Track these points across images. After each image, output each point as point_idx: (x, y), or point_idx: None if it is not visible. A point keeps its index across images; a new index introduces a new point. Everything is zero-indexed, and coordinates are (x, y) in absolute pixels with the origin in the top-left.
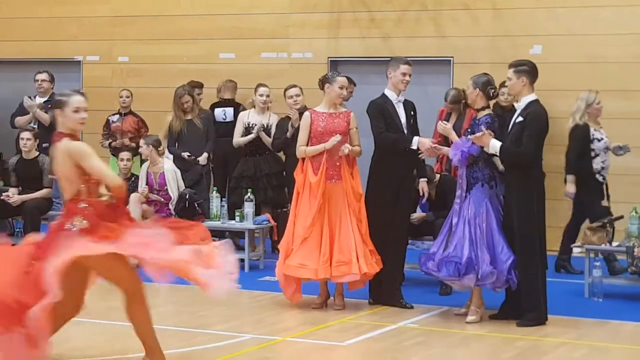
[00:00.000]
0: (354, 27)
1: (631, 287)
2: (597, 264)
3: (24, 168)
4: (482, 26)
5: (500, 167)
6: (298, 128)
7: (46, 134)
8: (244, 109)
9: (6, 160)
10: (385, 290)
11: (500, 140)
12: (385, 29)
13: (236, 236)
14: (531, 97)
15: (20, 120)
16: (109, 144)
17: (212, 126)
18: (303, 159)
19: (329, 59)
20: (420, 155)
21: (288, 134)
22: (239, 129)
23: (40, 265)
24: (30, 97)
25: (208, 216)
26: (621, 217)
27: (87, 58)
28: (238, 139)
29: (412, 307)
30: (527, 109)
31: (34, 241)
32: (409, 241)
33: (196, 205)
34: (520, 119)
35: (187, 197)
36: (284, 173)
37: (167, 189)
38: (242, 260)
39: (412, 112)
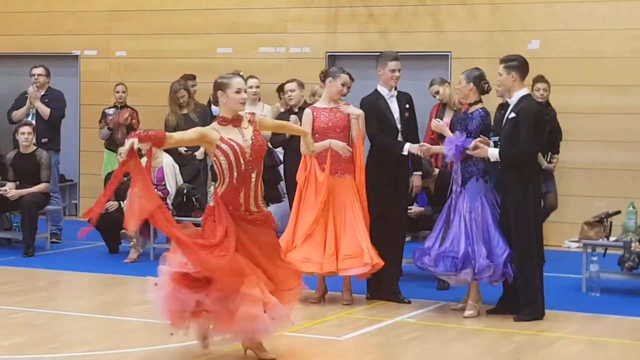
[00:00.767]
0: (352, 22)
1: (628, 282)
2: (595, 258)
3: (22, 162)
4: (480, 21)
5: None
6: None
7: (45, 128)
8: None
9: (3, 154)
10: (383, 285)
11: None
12: (382, 24)
13: None
14: (522, 92)
15: (17, 113)
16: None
17: (209, 120)
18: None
19: (327, 53)
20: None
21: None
22: None
23: None
24: (33, 87)
25: None
26: (618, 212)
27: (85, 52)
28: None
29: (409, 302)
30: (519, 104)
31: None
32: (408, 236)
33: (194, 199)
34: (513, 114)
35: (184, 191)
36: (279, 168)
37: (165, 184)
38: None
39: (407, 105)
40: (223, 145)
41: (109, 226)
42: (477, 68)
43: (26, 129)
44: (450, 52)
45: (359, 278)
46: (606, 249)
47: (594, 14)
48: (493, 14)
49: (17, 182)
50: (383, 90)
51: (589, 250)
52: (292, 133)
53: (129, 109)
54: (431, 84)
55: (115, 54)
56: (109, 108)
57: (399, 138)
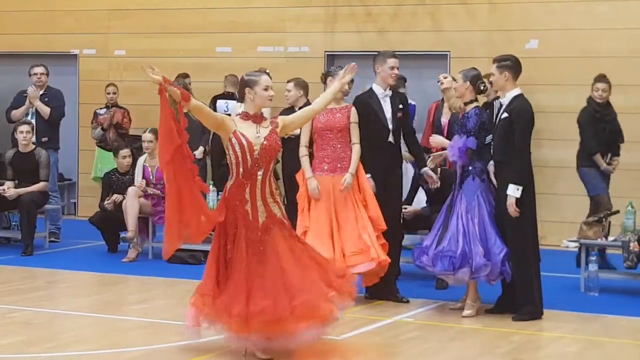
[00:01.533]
0: (350, 22)
1: (627, 282)
2: (593, 258)
3: (20, 161)
4: (479, 20)
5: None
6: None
7: (45, 127)
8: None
9: (2, 153)
10: (381, 284)
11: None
12: (381, 23)
13: None
14: (515, 91)
15: (16, 113)
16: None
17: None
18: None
19: (326, 53)
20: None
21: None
22: None
23: None
24: (33, 87)
25: None
26: (617, 211)
27: (84, 51)
28: None
29: (408, 302)
30: (511, 104)
31: None
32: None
33: None
34: (506, 114)
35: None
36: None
37: (164, 183)
38: None
39: (400, 106)
40: (234, 139)
41: (109, 225)
42: (474, 68)
43: (25, 127)
44: (449, 51)
45: (365, 283)
46: (605, 249)
47: (592, 14)
48: (492, 14)
49: (16, 181)
50: (378, 89)
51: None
52: (324, 104)
53: (121, 109)
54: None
55: (114, 53)
56: (101, 108)
57: (390, 138)
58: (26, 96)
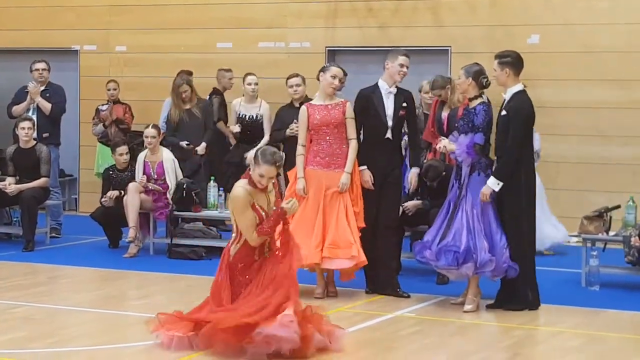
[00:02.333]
0: (352, 17)
1: (628, 277)
2: (594, 253)
3: (21, 157)
4: (480, 15)
5: None
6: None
7: (46, 123)
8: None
9: (3, 149)
10: (382, 279)
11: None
12: (382, 19)
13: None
14: (516, 88)
15: (17, 108)
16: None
17: (210, 116)
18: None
19: (327, 48)
20: (439, 149)
21: (287, 132)
22: (232, 118)
23: None
24: (33, 83)
25: (205, 206)
26: (618, 206)
27: (84, 47)
28: (231, 127)
29: (408, 296)
30: (511, 102)
31: None
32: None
33: (193, 194)
34: (504, 112)
35: (184, 186)
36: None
37: (164, 179)
38: None
39: (404, 104)
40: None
41: (111, 220)
42: (476, 63)
43: (26, 123)
44: (450, 46)
45: (342, 278)
46: (606, 244)
47: (593, 9)
48: (492, 9)
49: (17, 177)
50: (383, 84)
51: (589, 244)
52: None
53: (122, 105)
54: (433, 87)
55: (115, 49)
56: (103, 104)
57: (388, 135)
58: (27, 92)
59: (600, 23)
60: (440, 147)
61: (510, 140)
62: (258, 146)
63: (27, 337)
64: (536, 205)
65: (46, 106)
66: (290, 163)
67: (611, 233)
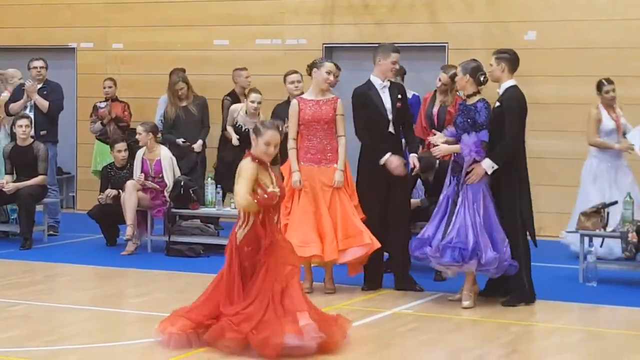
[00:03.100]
0: (348, 14)
1: (625, 272)
2: (592, 249)
3: (19, 155)
4: (477, 12)
5: None
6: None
7: (43, 121)
8: None
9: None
10: (400, 276)
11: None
12: (379, 15)
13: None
14: (509, 82)
15: (14, 106)
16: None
17: (207, 113)
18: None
19: (324, 45)
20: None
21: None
22: (229, 119)
23: None
24: (30, 81)
25: (203, 203)
26: (615, 202)
27: (81, 45)
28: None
29: (422, 290)
30: (504, 95)
31: None
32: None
33: (191, 192)
34: (498, 104)
35: (182, 184)
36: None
37: (162, 176)
38: None
39: (399, 96)
40: (259, 190)
41: (108, 218)
42: (473, 60)
43: (23, 121)
44: (447, 43)
45: (351, 273)
46: (603, 239)
47: (590, 5)
48: (489, 5)
49: (14, 175)
50: (376, 80)
51: (586, 240)
52: None
53: (121, 102)
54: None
55: (112, 47)
56: (101, 102)
57: (390, 129)
58: (24, 89)
59: (598, 19)
60: (432, 140)
61: (510, 129)
62: None
63: (25, 336)
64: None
65: (43, 104)
66: (285, 160)
67: (609, 229)
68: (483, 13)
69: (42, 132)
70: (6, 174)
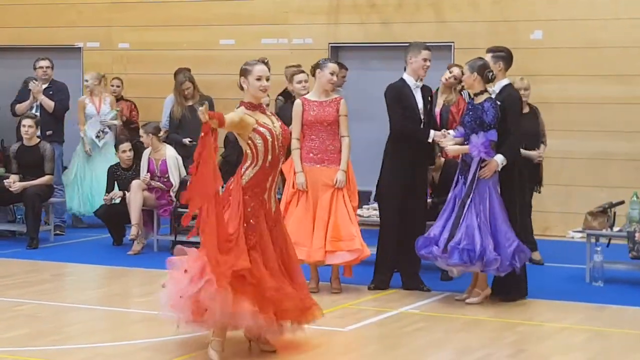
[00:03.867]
0: (354, 13)
1: (632, 272)
2: (598, 249)
3: (25, 155)
4: (482, 11)
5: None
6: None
7: (49, 120)
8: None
9: (7, 147)
10: (409, 277)
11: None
12: (385, 15)
13: None
14: (505, 81)
15: (20, 107)
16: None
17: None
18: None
19: (329, 44)
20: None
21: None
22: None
23: None
24: (35, 82)
25: None
26: (622, 202)
27: (87, 45)
28: None
29: (430, 290)
30: (502, 93)
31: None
32: None
33: None
34: (498, 103)
35: (188, 183)
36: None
37: (168, 176)
38: None
39: (429, 98)
40: (261, 129)
41: (114, 217)
42: (480, 58)
43: (28, 122)
44: (453, 42)
45: (346, 274)
46: (610, 239)
47: (596, 4)
48: (495, 4)
49: (21, 175)
50: (410, 79)
51: (593, 240)
52: None
53: (127, 102)
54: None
55: (118, 46)
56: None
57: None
58: (30, 90)
59: (604, 18)
60: (450, 152)
61: (513, 126)
62: None
63: (31, 335)
64: None
65: (49, 104)
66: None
67: (615, 229)
68: (489, 12)
69: (48, 132)
70: (12, 173)
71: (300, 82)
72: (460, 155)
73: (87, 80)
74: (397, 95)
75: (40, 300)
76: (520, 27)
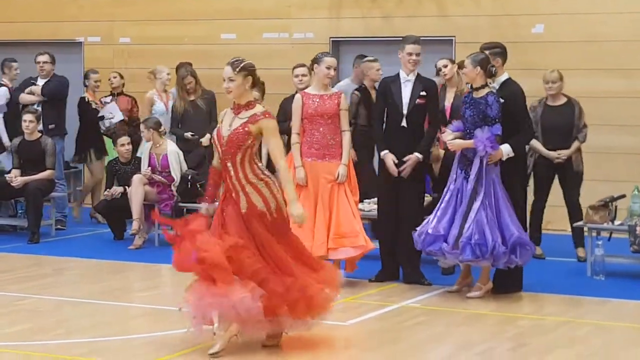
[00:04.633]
0: (355, 7)
1: (633, 266)
2: (599, 242)
3: (26, 149)
4: (484, 5)
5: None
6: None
7: (51, 114)
8: None
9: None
10: (409, 270)
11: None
12: (386, 9)
13: None
14: (504, 76)
15: (25, 97)
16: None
17: (215, 107)
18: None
19: (331, 39)
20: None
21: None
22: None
23: None
24: (33, 81)
25: None
26: (623, 195)
27: (89, 39)
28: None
29: (431, 284)
30: (504, 88)
31: None
32: None
33: (198, 186)
34: (501, 100)
35: (189, 178)
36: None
37: (169, 171)
38: None
39: (423, 92)
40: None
41: (115, 212)
42: (482, 51)
43: (29, 116)
44: (454, 36)
45: (348, 269)
46: (611, 233)
47: None
48: None
49: (22, 169)
50: (402, 73)
51: (594, 234)
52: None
53: (128, 97)
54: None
55: (119, 41)
56: (106, 96)
57: (403, 123)
58: (33, 83)
59: (605, 12)
60: (451, 147)
61: (523, 119)
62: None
63: (33, 329)
64: None
65: (33, 99)
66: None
67: (617, 222)
68: (490, 6)
69: (50, 126)
70: (14, 168)
71: (297, 75)
72: (461, 150)
73: (159, 75)
74: (383, 90)
75: (41, 295)
76: (522, 21)
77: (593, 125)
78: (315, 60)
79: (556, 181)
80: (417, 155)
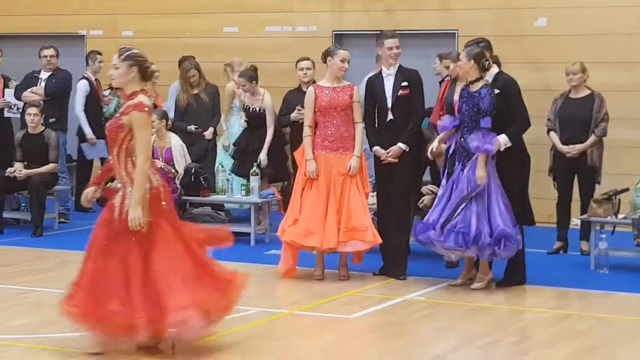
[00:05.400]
0: (358, 1)
1: (637, 259)
2: (603, 236)
3: (30, 143)
4: None
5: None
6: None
7: (53, 108)
8: None
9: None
10: (389, 263)
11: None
12: (389, 2)
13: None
14: (495, 69)
15: (28, 97)
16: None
17: (219, 100)
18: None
19: (333, 32)
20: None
21: (291, 116)
22: (227, 103)
23: None
24: (36, 74)
25: (214, 190)
26: (627, 189)
27: (91, 32)
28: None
29: (405, 279)
30: (497, 81)
31: None
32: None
33: (202, 179)
34: (497, 91)
35: (192, 171)
36: (286, 148)
37: (173, 164)
38: (248, 234)
39: (403, 83)
40: None
41: None
42: (477, 45)
43: (33, 110)
44: (457, 30)
45: (355, 260)
46: (615, 227)
47: None
48: None
49: (25, 163)
50: (384, 69)
51: (598, 227)
52: None
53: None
54: (441, 58)
55: (122, 34)
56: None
57: (389, 116)
58: (36, 77)
59: (609, 5)
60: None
61: (520, 109)
62: (267, 139)
63: (37, 322)
64: None
65: (38, 96)
66: (296, 147)
67: (620, 216)
68: (493, 0)
69: (51, 120)
70: (17, 161)
71: (302, 69)
72: (460, 142)
73: (238, 68)
74: (369, 89)
75: (45, 288)
76: (525, 14)
77: None
78: (329, 53)
79: None
80: (399, 145)
